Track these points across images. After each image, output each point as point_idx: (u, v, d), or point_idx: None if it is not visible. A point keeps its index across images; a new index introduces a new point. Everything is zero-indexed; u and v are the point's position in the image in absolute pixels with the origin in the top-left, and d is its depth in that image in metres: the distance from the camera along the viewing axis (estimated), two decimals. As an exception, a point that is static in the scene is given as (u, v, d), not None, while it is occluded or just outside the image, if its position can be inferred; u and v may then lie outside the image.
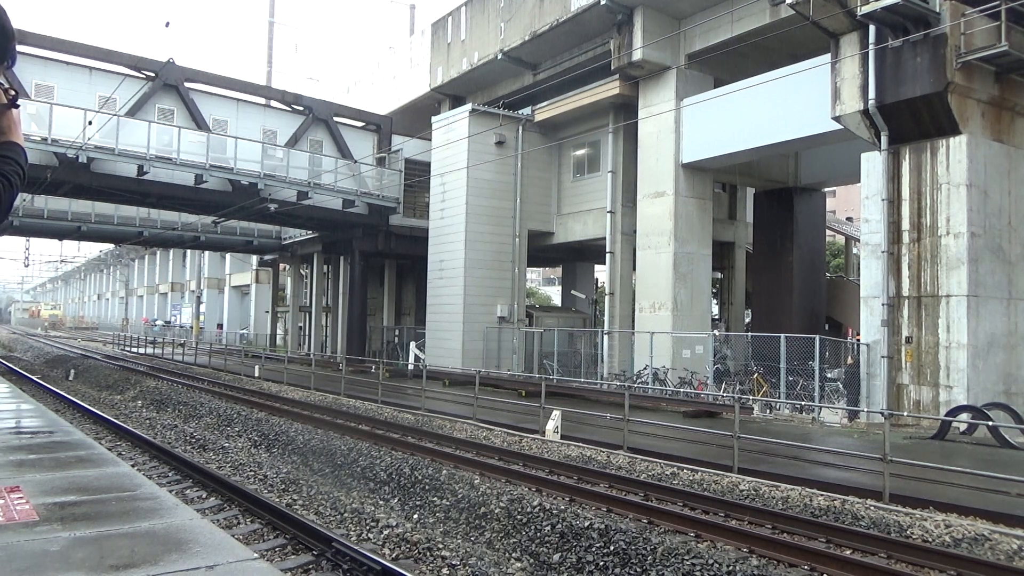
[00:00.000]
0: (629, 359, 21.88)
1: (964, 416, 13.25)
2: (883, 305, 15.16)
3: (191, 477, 9.83)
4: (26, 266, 66.33)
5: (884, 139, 15.20)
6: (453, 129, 25.01)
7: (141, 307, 78.13)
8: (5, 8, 1.70)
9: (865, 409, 15.18)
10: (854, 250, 33.45)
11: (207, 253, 52.82)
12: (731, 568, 6.31)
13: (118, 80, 22.67)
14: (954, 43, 13.79)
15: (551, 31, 22.89)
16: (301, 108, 28.16)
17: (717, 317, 27.86)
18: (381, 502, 9.23)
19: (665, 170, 20.85)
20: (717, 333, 22.93)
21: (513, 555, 7.27)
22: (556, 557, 7.04)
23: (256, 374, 24.80)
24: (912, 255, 15.01)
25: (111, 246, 62.23)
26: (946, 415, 13.33)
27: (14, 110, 1.85)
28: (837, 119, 15.69)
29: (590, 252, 30.44)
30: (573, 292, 32.79)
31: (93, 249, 76.22)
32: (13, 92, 1.85)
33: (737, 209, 27.60)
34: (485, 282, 24.55)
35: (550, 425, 13.09)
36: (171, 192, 24.81)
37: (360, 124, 30.35)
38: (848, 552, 6.94)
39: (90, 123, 20.79)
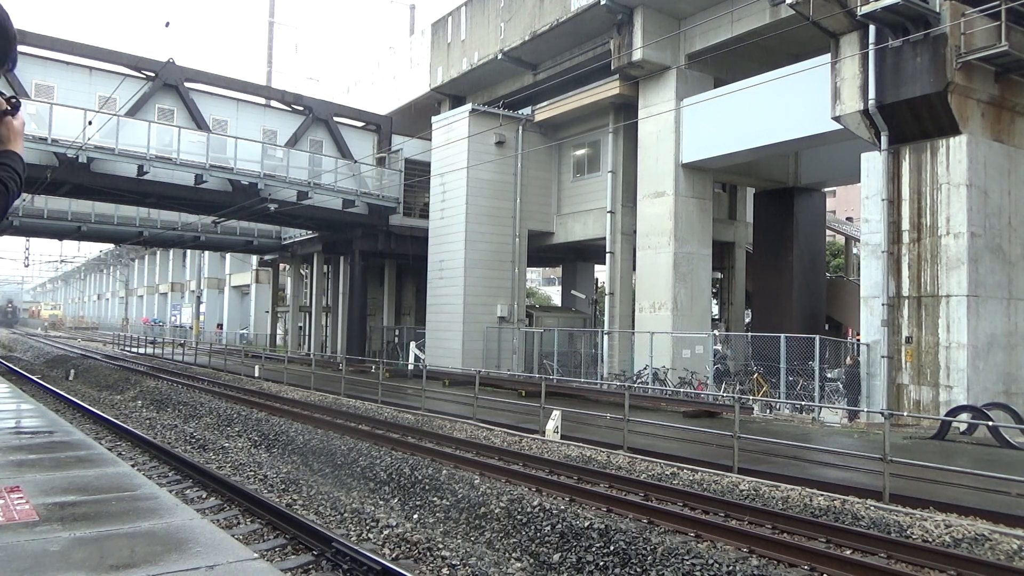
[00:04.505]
0: (629, 359, 21.87)
1: (964, 416, 13.25)
2: (883, 305, 15.16)
3: (191, 477, 9.83)
4: (26, 266, 66.36)
5: (884, 139, 15.19)
6: (453, 129, 25.01)
7: (141, 307, 78.11)
8: (7, 11, 1.67)
9: (865, 409, 15.18)
10: (854, 250, 33.45)
11: (207, 253, 52.81)
12: (731, 568, 6.31)
13: (118, 80, 22.67)
14: (954, 43, 13.78)
15: (551, 31, 22.88)
16: (301, 108, 28.16)
17: (717, 317, 27.86)
18: (381, 502, 9.23)
19: (665, 170, 20.85)
20: (717, 333, 22.93)
21: (513, 555, 7.27)
22: (556, 557, 7.04)
23: (256, 374, 24.80)
24: (912, 255, 15.01)
25: (111, 246, 62.20)
26: (946, 415, 13.33)
27: (15, 119, 1.80)
28: (837, 119, 15.69)
29: (590, 252, 30.43)
30: (573, 292, 32.78)
31: (93, 249, 76.21)
32: (16, 100, 1.79)
33: (737, 209, 27.59)
34: (485, 282, 24.55)
35: (550, 425, 13.09)
36: (171, 192, 24.81)
37: (360, 124, 30.35)
38: (848, 552, 6.94)
39: (90, 123, 20.78)
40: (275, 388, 21.06)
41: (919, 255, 14.89)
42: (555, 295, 59.40)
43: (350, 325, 31.72)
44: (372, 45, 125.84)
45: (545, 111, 24.67)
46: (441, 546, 7.10)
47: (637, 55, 20.10)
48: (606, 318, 23.63)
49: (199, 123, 24.91)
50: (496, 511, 8.13)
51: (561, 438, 12.81)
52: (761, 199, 25.50)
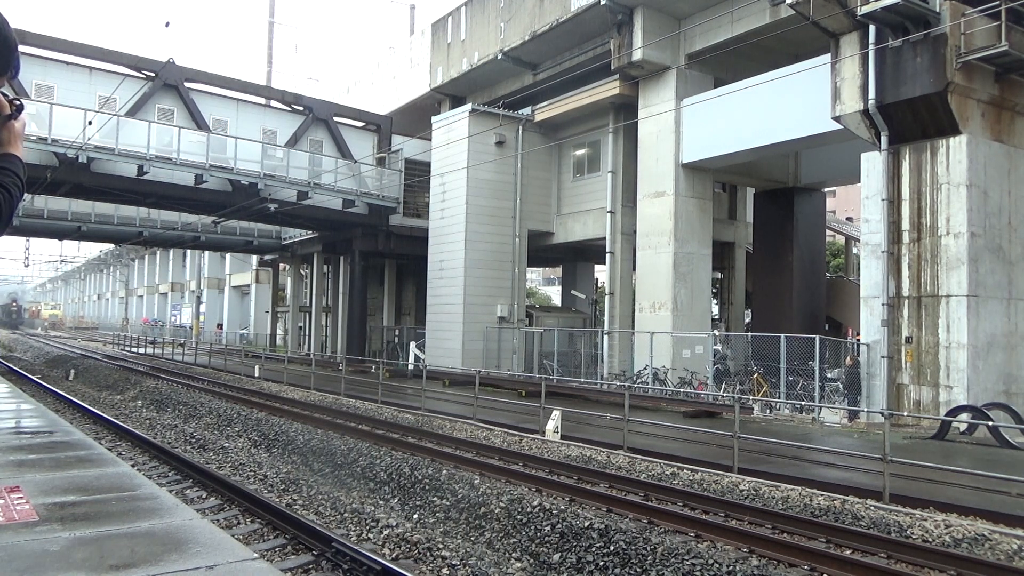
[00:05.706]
0: (629, 359, 21.87)
1: (964, 416, 13.25)
2: (883, 305, 15.16)
3: (191, 477, 9.82)
4: (26, 266, 66.34)
5: (884, 139, 15.19)
6: (453, 129, 25.01)
7: (141, 307, 78.10)
8: (6, 18, 1.67)
9: (865, 409, 15.18)
10: (854, 250, 33.45)
11: (207, 253, 52.80)
12: (731, 568, 6.31)
13: (118, 80, 22.67)
14: (954, 43, 13.78)
15: (551, 31, 22.88)
16: (301, 108, 28.16)
17: (717, 317, 27.86)
18: (381, 502, 9.23)
19: (665, 170, 20.85)
20: (717, 333, 22.93)
21: (513, 555, 7.27)
22: (556, 557, 7.04)
23: (256, 374, 24.80)
24: (912, 255, 15.01)
25: (111, 246, 62.19)
26: (946, 415, 13.33)
27: (16, 122, 1.82)
28: (837, 119, 15.69)
29: (590, 252, 30.44)
30: (573, 292, 32.78)
31: (93, 249, 76.17)
32: (18, 103, 1.81)
33: (737, 209, 27.59)
34: (485, 282, 24.55)
35: (550, 425, 13.09)
36: (171, 192, 24.81)
37: (360, 124, 30.34)
38: (848, 552, 6.94)
39: (90, 123, 20.77)
40: (275, 388, 21.06)
41: (919, 255, 14.89)
42: (555, 295, 59.40)
43: (350, 325, 31.72)
44: (372, 45, 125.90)
45: (545, 111, 24.67)
46: (441, 546, 7.10)
47: (637, 55, 20.09)
48: (606, 318, 23.63)
49: (199, 123, 24.91)
50: (496, 511, 8.13)
51: (561, 438, 12.81)
52: (761, 199, 25.50)
